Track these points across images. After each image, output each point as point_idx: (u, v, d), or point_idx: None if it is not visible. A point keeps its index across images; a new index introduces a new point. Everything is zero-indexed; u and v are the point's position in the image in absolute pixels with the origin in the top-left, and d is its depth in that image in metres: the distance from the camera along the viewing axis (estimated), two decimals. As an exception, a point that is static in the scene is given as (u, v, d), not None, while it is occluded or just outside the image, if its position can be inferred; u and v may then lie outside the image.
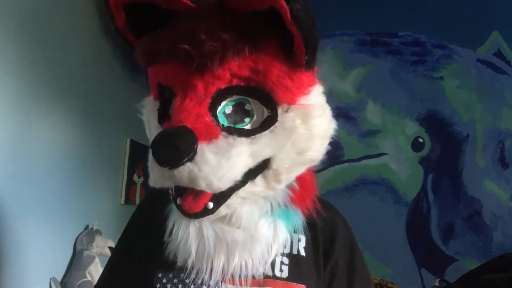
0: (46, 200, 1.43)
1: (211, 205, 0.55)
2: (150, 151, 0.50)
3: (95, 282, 1.54)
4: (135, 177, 2.05)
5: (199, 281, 0.60)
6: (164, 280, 0.63)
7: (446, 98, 2.14)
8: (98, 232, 1.64)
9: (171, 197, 0.58)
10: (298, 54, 0.54)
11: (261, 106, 0.55)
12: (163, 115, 0.59)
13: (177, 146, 0.48)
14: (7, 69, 1.24)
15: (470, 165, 2.08)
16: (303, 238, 0.66)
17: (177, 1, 0.53)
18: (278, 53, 0.53)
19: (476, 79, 2.12)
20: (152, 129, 0.61)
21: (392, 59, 2.22)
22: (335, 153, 2.19)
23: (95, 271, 1.56)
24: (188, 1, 0.53)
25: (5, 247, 1.25)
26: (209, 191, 0.52)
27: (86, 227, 1.66)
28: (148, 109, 0.63)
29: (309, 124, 0.57)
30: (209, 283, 0.60)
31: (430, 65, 2.17)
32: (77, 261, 1.53)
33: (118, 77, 1.85)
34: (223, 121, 0.54)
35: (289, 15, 0.48)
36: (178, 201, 0.55)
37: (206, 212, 0.55)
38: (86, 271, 1.53)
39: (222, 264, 0.58)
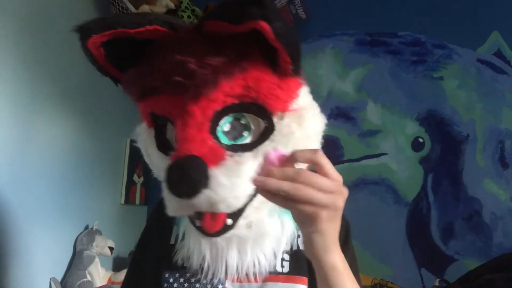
0: (46, 200, 1.43)
1: (229, 221, 0.57)
2: (166, 184, 0.52)
3: (95, 282, 1.55)
4: (135, 177, 2.05)
5: (205, 281, 0.64)
6: (171, 280, 0.67)
7: (446, 98, 2.14)
8: (98, 232, 1.64)
9: (189, 220, 0.59)
10: (284, 65, 0.55)
11: (257, 118, 0.58)
12: (161, 141, 0.61)
13: (192, 177, 0.50)
14: (6, 70, 1.24)
15: (470, 165, 2.07)
16: None
17: (156, 33, 0.54)
18: (265, 67, 0.55)
19: (476, 79, 2.12)
20: (152, 156, 0.64)
21: (392, 59, 2.21)
22: (335, 153, 2.18)
23: (95, 271, 1.56)
24: (166, 29, 0.54)
25: (5, 247, 1.25)
26: (228, 211, 0.54)
27: (86, 227, 1.66)
28: (145, 137, 0.65)
29: (304, 127, 0.60)
30: (213, 282, 0.64)
31: (430, 65, 2.17)
32: (77, 261, 1.53)
33: (118, 77, 1.85)
34: (224, 140, 0.57)
35: (272, 35, 0.49)
36: (197, 223, 0.57)
37: (226, 228, 0.57)
38: (86, 271, 1.53)
39: (236, 262, 0.62)
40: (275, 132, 0.58)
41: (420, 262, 2.07)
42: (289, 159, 0.50)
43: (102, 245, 1.63)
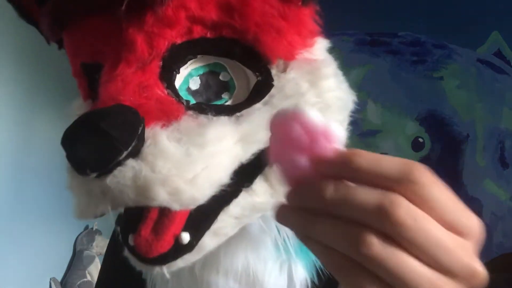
0: (45, 200, 1.43)
1: (186, 237, 0.32)
2: (65, 154, 0.30)
3: (95, 282, 1.55)
4: (135, 177, 2.05)
5: None
6: None
7: (446, 98, 2.14)
8: (98, 232, 1.64)
9: (119, 236, 0.36)
10: None
11: (244, 70, 0.36)
12: None
13: (106, 132, 0.26)
14: (6, 68, 1.24)
15: (470, 165, 2.07)
16: None
17: None
18: None
19: (476, 79, 2.12)
20: None
21: (392, 59, 2.21)
22: (335, 153, 2.19)
23: (95, 271, 1.56)
24: None
25: (5, 247, 1.25)
26: (176, 207, 0.29)
27: (86, 227, 1.66)
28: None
29: (321, 88, 0.37)
30: None
31: (430, 65, 2.17)
32: (77, 261, 1.53)
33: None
34: (188, 98, 0.35)
35: None
36: (130, 239, 0.34)
37: (179, 250, 0.33)
38: (86, 271, 1.53)
39: None
40: (273, 91, 0.35)
41: (420, 262, 2.07)
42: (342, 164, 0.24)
43: (102, 245, 1.62)
